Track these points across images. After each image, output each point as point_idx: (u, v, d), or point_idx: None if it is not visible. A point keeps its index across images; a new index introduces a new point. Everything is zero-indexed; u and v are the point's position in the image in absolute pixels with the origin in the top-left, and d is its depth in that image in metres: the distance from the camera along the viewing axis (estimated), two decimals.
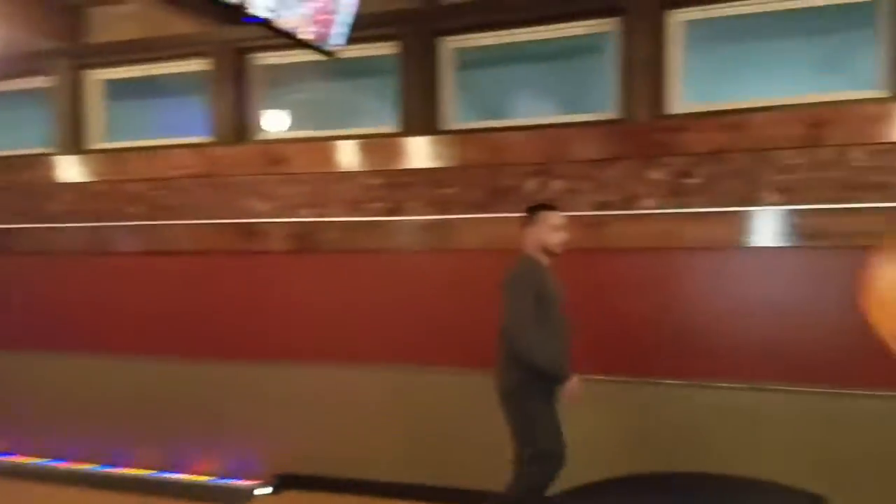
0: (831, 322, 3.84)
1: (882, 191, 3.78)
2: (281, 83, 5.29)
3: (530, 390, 3.48)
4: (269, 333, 4.96)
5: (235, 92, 5.20)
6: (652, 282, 4.19)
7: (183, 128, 5.41)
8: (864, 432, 3.79)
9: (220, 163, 5.14)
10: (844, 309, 3.76)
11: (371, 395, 4.73)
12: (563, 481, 3.53)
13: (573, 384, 3.48)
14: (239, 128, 5.21)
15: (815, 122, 3.90)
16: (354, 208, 4.83)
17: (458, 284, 4.51)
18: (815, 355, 3.88)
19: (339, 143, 4.88)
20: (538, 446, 3.49)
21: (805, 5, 4.10)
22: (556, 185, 4.35)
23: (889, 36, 3.87)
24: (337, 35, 3.86)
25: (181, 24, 4.86)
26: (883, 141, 3.80)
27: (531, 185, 4.40)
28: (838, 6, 4.03)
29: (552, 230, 3.59)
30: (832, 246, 3.85)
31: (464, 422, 4.44)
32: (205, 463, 5.06)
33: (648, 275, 4.19)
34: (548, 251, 3.60)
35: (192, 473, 5.05)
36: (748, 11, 4.21)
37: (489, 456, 3.79)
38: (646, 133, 4.22)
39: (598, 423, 4.11)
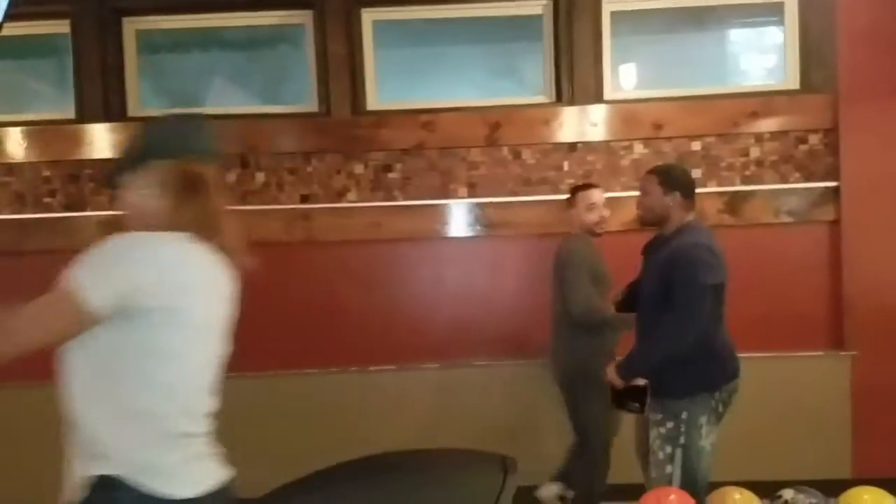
0: (511, 302, 4.32)
1: (549, 185, 4.35)
2: None
3: (588, 379, 3.41)
4: None
5: None
6: (358, 273, 4.32)
7: None
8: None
9: None
10: (522, 290, 4.30)
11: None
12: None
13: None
14: None
15: (494, 123, 4.34)
16: (24, 204, 4.27)
17: None
18: (497, 332, 4.33)
19: (2, 130, 4.27)
20: (588, 435, 3.54)
21: (481, 14, 4.49)
22: (260, 177, 4.29)
23: (551, 48, 4.43)
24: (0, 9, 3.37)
25: None
26: (547, 142, 4.37)
27: (232, 176, 4.26)
28: (511, 18, 4.49)
29: (589, 209, 3.60)
30: (511, 235, 4.34)
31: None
32: None
33: (354, 266, 4.32)
34: (590, 231, 3.61)
35: None
36: (433, 17, 4.51)
37: None
38: (346, 128, 4.31)
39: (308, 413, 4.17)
